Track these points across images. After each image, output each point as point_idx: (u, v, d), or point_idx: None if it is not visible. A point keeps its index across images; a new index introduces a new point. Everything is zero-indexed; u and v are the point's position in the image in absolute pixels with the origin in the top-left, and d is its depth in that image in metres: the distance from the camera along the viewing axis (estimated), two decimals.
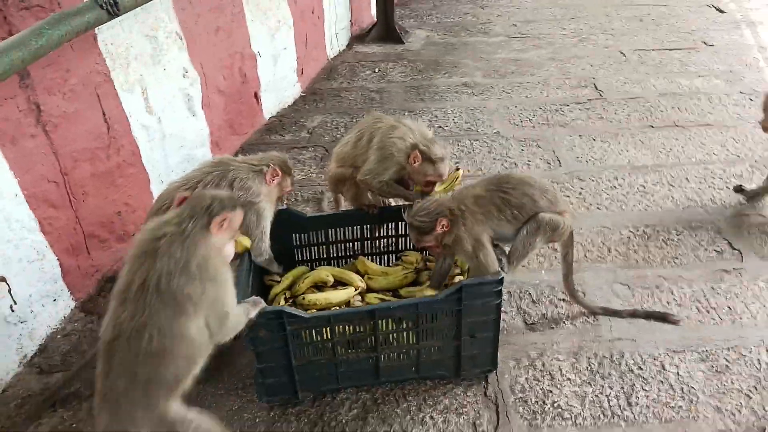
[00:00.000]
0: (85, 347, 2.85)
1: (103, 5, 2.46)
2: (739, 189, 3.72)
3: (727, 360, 2.67)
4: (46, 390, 2.64)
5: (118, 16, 2.55)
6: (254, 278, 2.65)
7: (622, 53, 5.84)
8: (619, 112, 4.76)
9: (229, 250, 2.08)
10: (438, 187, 2.85)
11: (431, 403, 2.56)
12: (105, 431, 1.88)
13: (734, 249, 3.30)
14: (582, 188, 3.86)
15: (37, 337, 2.85)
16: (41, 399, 2.59)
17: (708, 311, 2.92)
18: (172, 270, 1.83)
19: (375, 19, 6.68)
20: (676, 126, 4.51)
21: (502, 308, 2.80)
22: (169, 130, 3.59)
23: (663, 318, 2.89)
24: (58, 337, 2.93)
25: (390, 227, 3.02)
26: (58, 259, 2.90)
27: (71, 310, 3.04)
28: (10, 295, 2.66)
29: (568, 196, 3.77)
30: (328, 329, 2.41)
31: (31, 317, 2.79)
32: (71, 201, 2.92)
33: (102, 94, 3.03)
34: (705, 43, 6.01)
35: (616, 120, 4.65)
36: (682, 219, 3.54)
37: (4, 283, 2.62)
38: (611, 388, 2.57)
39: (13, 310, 2.69)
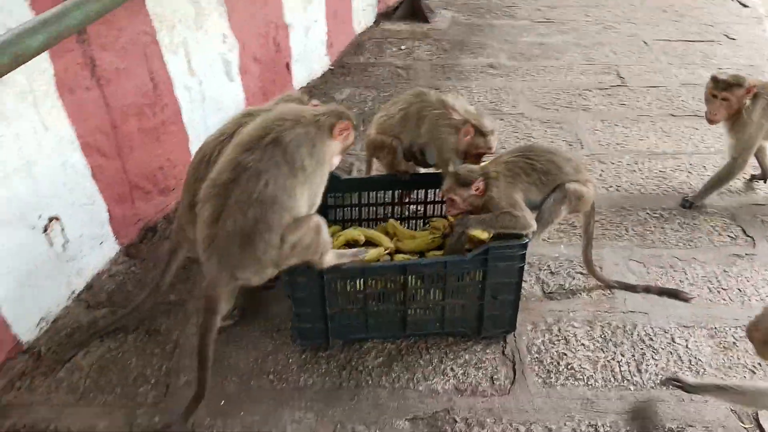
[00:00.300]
0: (129, 288, 3.05)
1: None
2: (753, 178, 3.85)
3: (734, 337, 2.82)
4: (94, 324, 2.84)
5: None
6: None
7: (645, 42, 5.93)
8: (641, 99, 4.87)
9: (335, 161, 2.37)
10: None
11: (452, 356, 2.73)
12: (214, 276, 2.17)
13: (747, 236, 3.43)
14: (603, 170, 4.00)
15: (84, 276, 3.04)
16: (90, 332, 2.79)
17: (719, 291, 3.07)
18: (302, 141, 2.15)
19: None
20: (696, 116, 4.61)
21: (523, 278, 2.96)
22: (209, 93, 3.73)
23: (675, 295, 3.03)
24: (104, 277, 3.12)
25: (420, 194, 3.16)
26: (106, 206, 3.08)
27: (116, 253, 3.24)
28: (63, 234, 2.84)
29: None
30: (361, 281, 2.58)
31: (80, 256, 2.98)
32: (120, 152, 3.08)
33: (149, 54, 3.18)
34: (727, 36, 6.07)
35: (637, 107, 4.76)
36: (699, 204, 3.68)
37: (58, 222, 2.80)
38: (623, 356, 2.73)
39: (64, 249, 2.87)
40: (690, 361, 2.70)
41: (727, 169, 3.56)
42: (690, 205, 3.64)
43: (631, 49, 5.80)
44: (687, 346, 2.77)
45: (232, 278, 2.21)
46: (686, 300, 3.01)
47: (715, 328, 2.86)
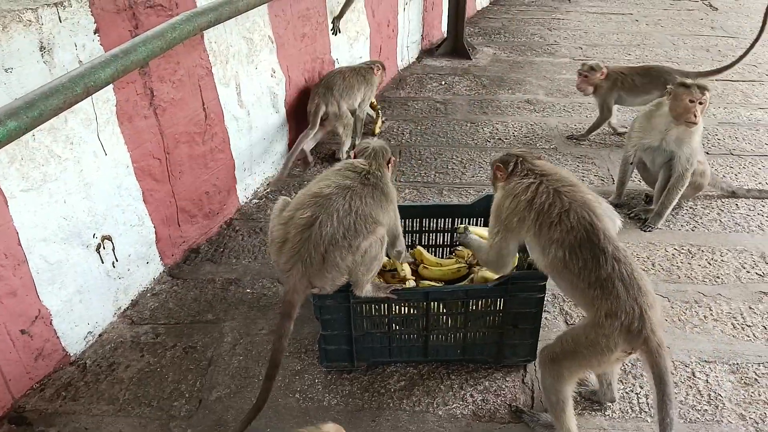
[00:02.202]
0: (170, 306, 3.25)
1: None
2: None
3: (756, 374, 2.82)
4: (136, 338, 3.04)
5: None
6: None
7: None
8: None
9: None
10: None
11: (472, 383, 2.81)
12: (294, 284, 2.44)
13: None
14: (633, 206, 4.05)
15: (130, 293, 3.26)
16: None
17: (743, 328, 3.08)
18: (378, 181, 2.62)
19: (445, 35, 7.00)
20: (732, 154, 4.64)
21: (546, 309, 3.05)
22: (256, 123, 3.99)
23: None
24: (148, 295, 3.33)
25: (447, 222, 3.29)
26: (154, 227, 3.31)
27: (160, 273, 3.45)
28: (114, 253, 3.08)
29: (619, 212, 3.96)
30: (385, 306, 2.71)
31: (127, 275, 3.20)
32: (170, 177, 3.33)
33: (203, 85, 3.45)
34: None
35: None
36: (728, 242, 3.70)
37: (110, 241, 3.04)
38: (642, 387, 2.77)
39: (114, 267, 3.10)
40: (709, 395, 2.72)
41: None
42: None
43: None
44: (707, 381, 2.79)
45: (309, 286, 2.46)
46: None
47: (737, 363, 2.87)
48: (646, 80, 4.71)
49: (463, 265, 3.17)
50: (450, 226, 3.29)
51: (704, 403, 2.69)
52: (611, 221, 2.41)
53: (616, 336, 2.19)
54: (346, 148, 4.63)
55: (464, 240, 2.87)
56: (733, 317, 3.14)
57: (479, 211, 3.25)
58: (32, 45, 2.50)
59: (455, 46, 6.78)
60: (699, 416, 2.62)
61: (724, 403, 2.68)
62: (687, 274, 3.45)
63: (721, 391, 2.74)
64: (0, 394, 2.61)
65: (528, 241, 2.42)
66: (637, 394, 2.74)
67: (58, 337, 2.84)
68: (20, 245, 2.57)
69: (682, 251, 3.63)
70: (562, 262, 2.28)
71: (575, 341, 2.30)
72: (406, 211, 3.27)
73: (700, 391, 2.74)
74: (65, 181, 2.74)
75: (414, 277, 3.12)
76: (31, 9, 2.49)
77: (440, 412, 2.67)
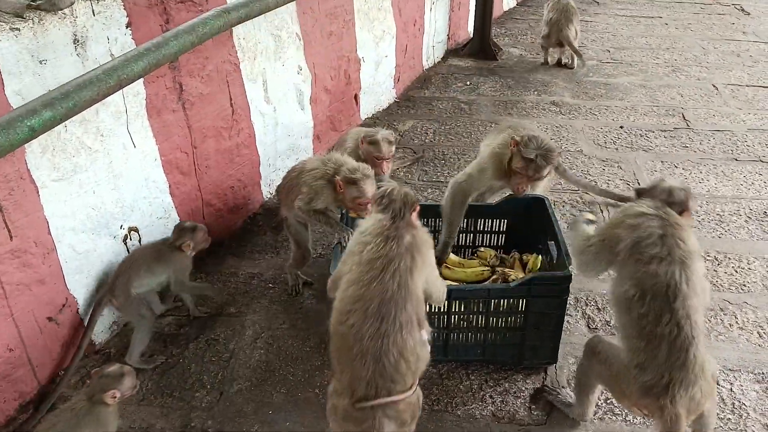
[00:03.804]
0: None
1: None
2: None
3: None
4: (160, 329, 3.08)
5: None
6: None
7: (714, 86, 5.87)
8: (705, 142, 4.84)
9: None
10: None
11: (492, 384, 2.81)
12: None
13: None
14: None
15: None
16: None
17: None
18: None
19: (471, 35, 6.97)
20: (761, 161, 4.56)
21: (569, 312, 3.03)
22: (281, 120, 4.01)
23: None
24: None
25: (469, 223, 3.28)
26: (179, 220, 3.34)
27: None
28: (140, 244, 3.12)
29: None
30: None
31: None
32: (196, 171, 3.37)
33: (231, 81, 3.48)
34: None
35: (700, 150, 4.74)
36: (755, 250, 3.64)
37: (136, 233, 3.08)
38: None
39: None
40: (733, 404, 2.68)
41: None
42: None
43: (699, 92, 5.76)
44: (731, 390, 2.75)
45: None
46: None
47: (763, 373, 2.83)
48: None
49: (487, 268, 3.16)
50: (473, 227, 3.29)
51: (728, 412, 2.65)
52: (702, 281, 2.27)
53: (634, 388, 2.18)
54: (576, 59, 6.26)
55: (574, 225, 2.66)
56: (759, 326, 3.09)
57: (503, 211, 3.25)
58: (66, 38, 2.54)
59: (481, 46, 6.74)
60: (722, 425, 2.59)
61: (748, 413, 2.65)
62: (713, 281, 3.39)
63: (745, 401, 2.70)
64: (27, 380, 2.66)
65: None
66: None
67: (84, 327, 2.88)
68: (50, 234, 2.62)
69: (708, 258, 3.58)
70: (629, 300, 2.20)
71: (609, 363, 2.32)
72: (428, 211, 3.27)
73: (723, 399, 2.71)
74: (95, 172, 2.79)
75: None
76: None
77: (459, 412, 2.68)
